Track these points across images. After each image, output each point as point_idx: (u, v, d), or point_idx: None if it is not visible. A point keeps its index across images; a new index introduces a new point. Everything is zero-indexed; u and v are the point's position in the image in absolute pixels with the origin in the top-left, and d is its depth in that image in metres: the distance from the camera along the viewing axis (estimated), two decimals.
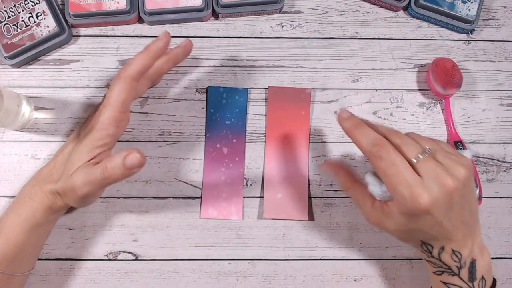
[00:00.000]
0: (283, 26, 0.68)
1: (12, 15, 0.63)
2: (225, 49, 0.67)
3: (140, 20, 0.67)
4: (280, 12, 0.68)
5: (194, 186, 0.64)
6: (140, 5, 0.65)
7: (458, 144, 0.64)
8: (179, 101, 0.65)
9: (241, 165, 0.64)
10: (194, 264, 0.62)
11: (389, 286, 0.63)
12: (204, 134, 0.65)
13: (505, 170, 0.66)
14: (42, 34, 0.63)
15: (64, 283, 0.61)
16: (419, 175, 0.45)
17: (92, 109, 0.64)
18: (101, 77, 0.65)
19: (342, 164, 0.55)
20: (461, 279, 0.48)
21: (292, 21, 0.68)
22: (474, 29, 0.68)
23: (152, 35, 0.67)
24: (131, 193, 0.63)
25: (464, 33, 0.68)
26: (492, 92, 0.67)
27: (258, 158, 0.64)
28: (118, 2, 0.64)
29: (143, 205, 0.63)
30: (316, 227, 0.63)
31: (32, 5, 0.63)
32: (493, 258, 0.63)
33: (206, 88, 0.66)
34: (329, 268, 0.63)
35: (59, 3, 0.66)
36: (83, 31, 0.67)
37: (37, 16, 0.63)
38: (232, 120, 0.65)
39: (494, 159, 0.66)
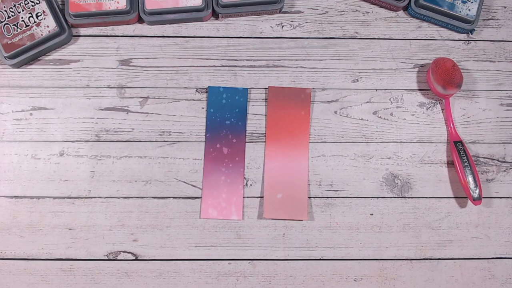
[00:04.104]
0: (283, 26, 0.68)
1: (12, 15, 0.63)
2: (225, 49, 0.67)
3: (140, 20, 0.67)
4: (280, 12, 0.68)
5: (194, 186, 0.64)
6: (140, 5, 0.65)
7: (458, 144, 0.64)
8: (179, 101, 0.65)
9: (241, 165, 0.64)
10: (194, 264, 0.62)
11: (389, 286, 0.63)
12: (204, 134, 0.65)
13: (505, 170, 0.66)
14: (42, 34, 0.63)
15: (64, 283, 0.61)
16: None
17: None
18: (101, 77, 0.65)
19: None
20: None
21: (292, 21, 0.68)
22: (474, 29, 0.68)
23: (152, 35, 0.67)
24: (131, 193, 0.63)
25: (464, 33, 0.68)
26: (492, 92, 0.67)
27: (258, 158, 0.64)
28: (118, 2, 0.64)
29: (143, 205, 0.63)
30: (316, 227, 0.63)
31: (32, 5, 0.63)
32: (493, 258, 0.63)
33: (206, 88, 0.66)
34: (329, 268, 0.63)
35: (59, 3, 0.66)
36: (83, 31, 0.67)
37: (37, 16, 0.63)
38: (232, 120, 0.65)
39: (494, 159, 0.66)
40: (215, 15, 0.67)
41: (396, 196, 0.64)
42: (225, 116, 0.65)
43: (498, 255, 0.64)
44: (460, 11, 0.66)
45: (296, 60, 0.67)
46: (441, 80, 0.64)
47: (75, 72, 0.65)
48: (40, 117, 0.64)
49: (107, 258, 0.62)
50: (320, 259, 0.63)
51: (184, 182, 0.64)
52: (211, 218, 0.63)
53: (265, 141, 0.65)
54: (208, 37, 0.67)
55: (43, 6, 0.63)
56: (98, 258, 0.62)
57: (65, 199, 0.63)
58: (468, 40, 0.69)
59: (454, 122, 0.66)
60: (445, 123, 0.66)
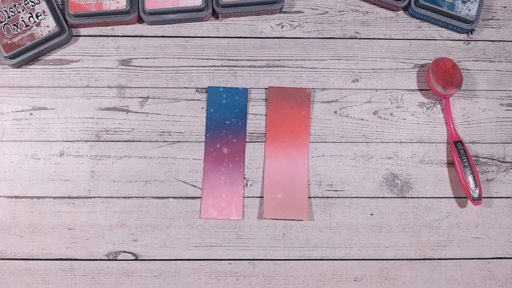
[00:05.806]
0: (283, 26, 0.68)
1: (12, 15, 0.63)
2: (225, 49, 0.67)
3: (140, 20, 0.67)
4: (280, 12, 0.68)
5: (194, 186, 0.64)
6: (140, 5, 0.65)
7: (458, 144, 0.64)
8: (179, 101, 0.65)
9: (241, 165, 0.64)
10: (194, 264, 0.62)
11: (389, 286, 0.63)
12: (204, 134, 0.65)
13: (505, 170, 0.66)
14: (42, 34, 0.63)
15: (64, 283, 0.61)
16: None
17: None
18: (101, 77, 0.65)
19: None
20: None
21: (292, 21, 0.68)
22: (474, 29, 0.68)
23: (152, 35, 0.67)
24: (131, 193, 0.63)
25: (464, 33, 0.68)
26: (492, 92, 0.67)
27: (258, 158, 0.64)
28: (118, 2, 0.64)
29: (143, 205, 0.63)
30: (316, 227, 0.63)
31: (32, 5, 0.63)
32: (493, 258, 0.63)
33: (206, 88, 0.66)
34: (329, 268, 0.63)
35: (59, 3, 0.66)
36: (83, 31, 0.67)
37: (37, 16, 0.63)
38: (232, 120, 0.65)
39: (494, 159, 0.66)
40: (215, 15, 0.67)
41: (396, 196, 0.64)
42: (225, 116, 0.65)
43: (498, 255, 0.64)
44: (460, 11, 0.66)
45: (296, 60, 0.67)
46: (441, 80, 0.64)
47: (75, 72, 0.65)
48: (40, 117, 0.64)
49: (107, 258, 0.62)
50: (320, 259, 0.63)
51: (184, 182, 0.64)
52: (211, 218, 0.63)
53: (265, 141, 0.65)
54: (208, 37, 0.67)
55: (43, 6, 0.63)
56: (98, 258, 0.62)
57: (65, 199, 0.63)
58: (468, 40, 0.69)
59: (454, 122, 0.66)
60: (445, 123, 0.66)
